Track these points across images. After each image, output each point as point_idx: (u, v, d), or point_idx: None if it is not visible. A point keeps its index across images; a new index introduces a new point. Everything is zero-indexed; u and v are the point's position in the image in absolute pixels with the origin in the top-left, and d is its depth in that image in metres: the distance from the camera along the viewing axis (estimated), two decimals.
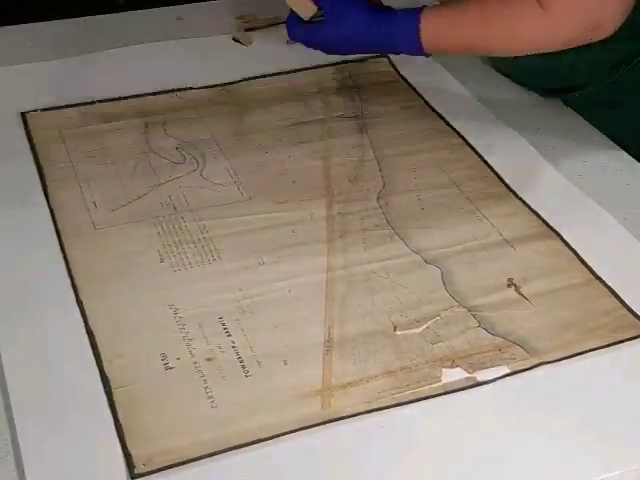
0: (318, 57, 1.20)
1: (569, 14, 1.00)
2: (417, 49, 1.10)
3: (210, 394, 0.82)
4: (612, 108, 1.19)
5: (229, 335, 0.88)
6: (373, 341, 0.88)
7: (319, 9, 1.14)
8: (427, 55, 1.12)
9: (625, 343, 0.89)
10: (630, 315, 0.92)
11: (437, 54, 1.14)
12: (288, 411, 0.81)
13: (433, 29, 1.09)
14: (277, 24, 1.41)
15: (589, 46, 1.04)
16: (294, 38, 1.19)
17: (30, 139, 1.14)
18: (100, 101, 1.21)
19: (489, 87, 1.27)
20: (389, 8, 1.14)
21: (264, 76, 1.28)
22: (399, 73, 1.31)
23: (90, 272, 0.94)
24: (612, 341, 0.89)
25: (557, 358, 0.87)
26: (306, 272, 0.95)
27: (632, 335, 0.90)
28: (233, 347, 0.87)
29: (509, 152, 1.15)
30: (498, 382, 0.84)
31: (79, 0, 1.72)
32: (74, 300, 0.91)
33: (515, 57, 1.14)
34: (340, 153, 1.14)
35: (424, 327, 0.89)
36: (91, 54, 1.32)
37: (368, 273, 0.95)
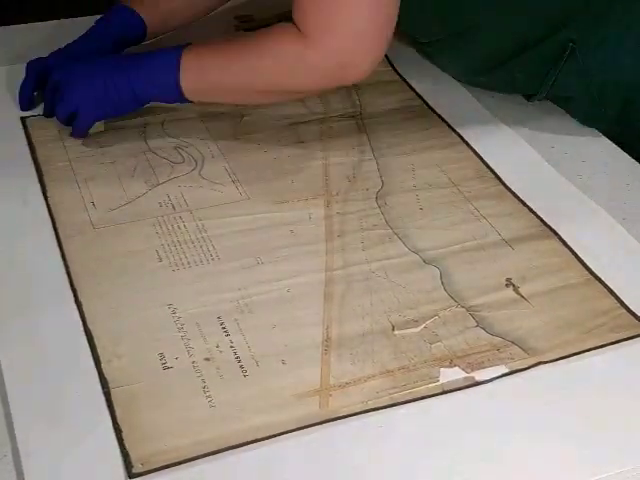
0: None
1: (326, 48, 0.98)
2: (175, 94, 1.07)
3: (208, 394, 0.82)
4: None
5: (227, 335, 0.88)
6: (371, 341, 0.88)
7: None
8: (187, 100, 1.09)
9: (623, 343, 0.89)
10: (629, 315, 0.92)
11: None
12: (286, 411, 0.81)
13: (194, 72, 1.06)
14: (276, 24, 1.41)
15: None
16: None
17: (29, 139, 1.14)
18: None
19: (489, 87, 1.27)
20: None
21: None
22: (398, 73, 1.31)
23: (89, 272, 0.94)
24: (610, 341, 0.89)
25: (555, 358, 0.87)
26: (305, 272, 0.95)
27: (630, 335, 0.90)
28: (231, 347, 0.86)
29: (508, 152, 1.15)
30: (496, 382, 0.84)
31: (79, 0, 1.72)
32: (72, 300, 0.91)
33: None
34: (339, 153, 1.14)
35: (422, 327, 0.89)
36: None
37: (367, 273, 0.95)
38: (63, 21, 1.42)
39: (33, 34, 1.38)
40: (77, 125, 1.11)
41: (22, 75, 1.23)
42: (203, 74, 1.05)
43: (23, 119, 1.17)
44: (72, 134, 1.12)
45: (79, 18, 1.43)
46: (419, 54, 1.32)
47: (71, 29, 1.39)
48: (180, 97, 1.07)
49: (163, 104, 1.20)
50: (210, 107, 1.20)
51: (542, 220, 1.04)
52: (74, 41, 1.20)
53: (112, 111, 1.10)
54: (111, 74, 1.07)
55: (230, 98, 1.10)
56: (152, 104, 1.20)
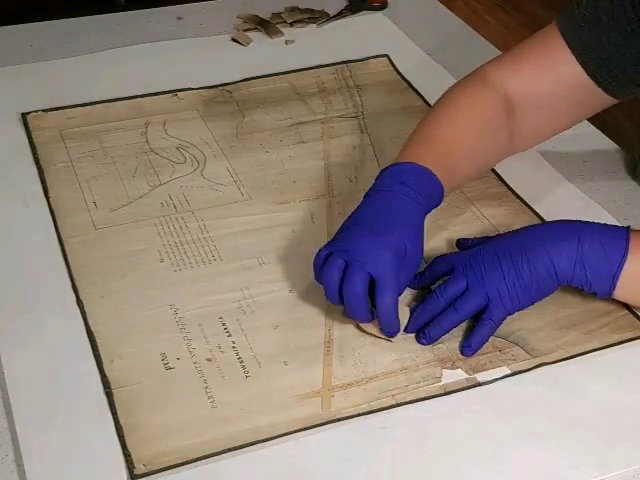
0: (318, 57, 1.20)
1: None
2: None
3: (210, 394, 0.82)
4: None
5: (229, 335, 0.88)
6: (373, 342, 0.88)
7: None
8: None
9: (625, 344, 0.89)
10: (630, 316, 0.92)
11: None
12: (288, 412, 0.81)
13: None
14: (276, 24, 1.41)
15: None
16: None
17: (30, 139, 1.14)
18: (100, 101, 1.21)
19: None
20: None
21: (264, 76, 1.28)
22: (399, 73, 1.31)
23: (90, 272, 0.94)
24: (612, 342, 0.89)
25: (557, 359, 0.87)
26: (307, 272, 0.95)
27: (633, 336, 0.90)
28: (233, 347, 0.86)
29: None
30: (498, 383, 0.84)
31: (79, 0, 1.72)
32: (74, 300, 0.91)
33: None
34: (340, 153, 1.14)
35: None
36: (91, 54, 1.33)
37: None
38: (63, 21, 1.42)
39: (33, 34, 1.38)
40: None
41: (22, 75, 1.23)
42: None
43: (25, 120, 1.17)
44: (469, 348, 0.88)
45: (79, 18, 1.43)
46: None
47: (71, 29, 1.40)
48: (609, 291, 0.88)
49: (163, 104, 1.21)
50: (212, 107, 1.20)
51: (543, 220, 1.03)
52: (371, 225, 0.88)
53: (527, 300, 0.87)
54: (523, 249, 0.87)
55: None
56: (152, 104, 1.21)
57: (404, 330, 0.88)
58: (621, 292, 0.88)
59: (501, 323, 0.87)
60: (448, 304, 0.87)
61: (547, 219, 1.04)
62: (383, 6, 1.48)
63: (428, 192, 0.91)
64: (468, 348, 0.87)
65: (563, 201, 1.07)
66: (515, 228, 1.01)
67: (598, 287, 0.87)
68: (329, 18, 1.43)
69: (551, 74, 0.99)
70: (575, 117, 1.04)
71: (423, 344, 0.87)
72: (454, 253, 0.94)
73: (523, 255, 0.86)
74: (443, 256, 0.93)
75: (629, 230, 0.88)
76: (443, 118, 1.00)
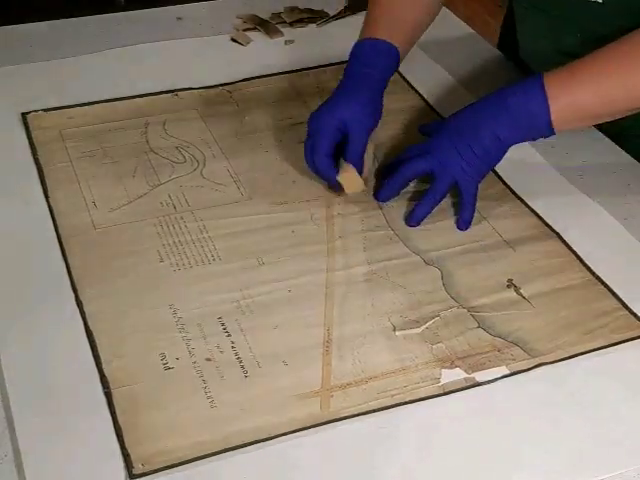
0: (318, 57, 1.20)
1: None
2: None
3: (209, 394, 0.82)
4: None
5: (228, 335, 0.88)
6: (372, 342, 0.88)
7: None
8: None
9: (625, 344, 0.89)
10: (630, 316, 0.92)
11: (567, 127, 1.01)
12: (287, 412, 0.81)
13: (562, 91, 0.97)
14: (276, 24, 1.41)
15: None
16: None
17: (30, 139, 1.14)
18: (100, 101, 1.21)
19: (489, 88, 1.27)
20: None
21: (264, 76, 1.28)
22: (399, 73, 1.30)
23: (90, 272, 0.94)
24: (612, 342, 0.89)
25: (556, 359, 0.87)
26: (306, 272, 0.95)
27: (632, 336, 0.90)
28: (232, 347, 0.86)
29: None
30: (497, 383, 0.84)
31: (79, 0, 1.72)
32: (73, 300, 0.91)
33: None
34: None
35: (423, 328, 0.89)
36: (91, 54, 1.33)
37: (368, 274, 0.95)
38: (63, 21, 1.42)
39: (33, 34, 1.38)
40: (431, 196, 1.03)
41: (22, 75, 1.24)
42: (574, 102, 0.97)
43: (25, 119, 1.17)
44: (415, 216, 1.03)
45: (79, 18, 1.43)
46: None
47: (71, 29, 1.40)
48: (549, 132, 0.99)
49: (163, 104, 1.21)
50: (211, 107, 1.20)
51: (543, 221, 1.04)
52: (341, 89, 1.09)
53: (486, 168, 1.03)
54: (473, 125, 1.01)
55: (602, 119, 1.05)
56: (152, 104, 1.21)
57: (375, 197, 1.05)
58: (559, 124, 0.98)
59: (474, 192, 1.02)
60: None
61: (547, 219, 1.04)
62: None
63: (384, 63, 1.09)
64: (463, 223, 1.02)
65: (563, 201, 1.07)
66: (515, 229, 1.02)
67: (538, 130, 0.99)
68: (329, 18, 1.43)
69: None
70: None
71: (411, 225, 1.02)
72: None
73: (472, 136, 1.00)
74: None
75: (542, 75, 0.98)
76: None
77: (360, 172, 1.04)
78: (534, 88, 0.97)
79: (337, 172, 1.04)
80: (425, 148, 1.03)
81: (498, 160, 1.02)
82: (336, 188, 1.05)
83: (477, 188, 1.02)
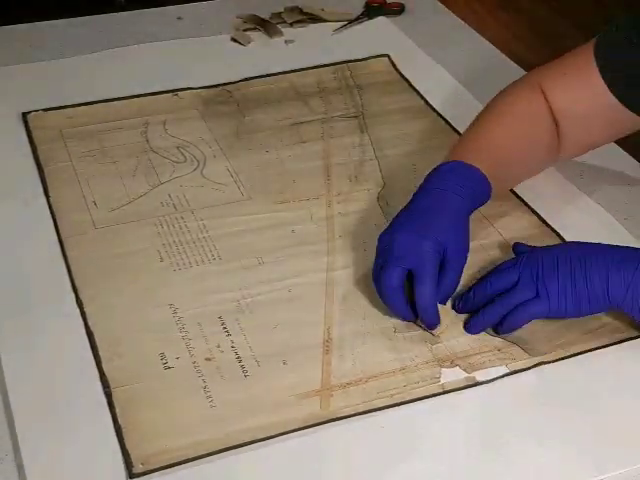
0: (318, 57, 1.20)
1: None
2: None
3: (209, 394, 0.82)
4: None
5: (228, 335, 0.88)
6: (372, 341, 0.88)
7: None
8: None
9: (625, 343, 0.89)
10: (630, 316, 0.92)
11: None
12: (287, 411, 0.81)
13: None
14: (277, 24, 1.41)
15: None
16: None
17: (31, 139, 1.14)
18: (100, 101, 1.21)
19: (489, 88, 1.27)
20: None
21: (264, 76, 1.28)
22: (400, 73, 1.31)
23: (90, 272, 0.94)
24: (612, 341, 0.89)
25: (556, 358, 0.87)
26: (306, 272, 0.95)
27: (632, 335, 0.90)
28: (232, 347, 0.86)
29: None
30: (497, 382, 0.84)
31: (79, 0, 1.72)
32: (74, 300, 0.91)
33: None
34: (340, 153, 1.14)
35: (423, 327, 0.89)
36: (91, 54, 1.33)
37: (368, 273, 0.95)
38: (63, 21, 1.42)
39: (33, 34, 1.38)
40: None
41: (22, 75, 1.23)
42: None
43: (25, 119, 1.17)
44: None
45: (79, 18, 1.43)
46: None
47: (71, 29, 1.40)
48: None
49: (163, 104, 1.21)
50: (212, 107, 1.20)
51: (543, 220, 1.04)
52: (430, 210, 0.92)
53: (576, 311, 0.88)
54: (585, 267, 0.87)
55: None
56: (152, 103, 1.21)
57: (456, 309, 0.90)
58: None
59: (538, 317, 0.88)
60: (497, 294, 0.89)
61: (547, 219, 1.04)
62: (400, 10, 1.47)
63: (474, 189, 0.94)
64: (502, 330, 0.88)
65: (563, 201, 1.07)
66: (515, 228, 1.02)
67: None
68: (347, 24, 1.42)
69: (585, 93, 1.02)
70: (610, 135, 1.06)
71: (472, 333, 0.89)
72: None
73: (582, 265, 0.87)
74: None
75: None
76: (494, 120, 1.03)
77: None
78: None
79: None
80: (521, 261, 0.90)
81: (590, 314, 0.89)
82: (432, 328, 0.89)
83: (545, 316, 0.89)
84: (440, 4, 1.53)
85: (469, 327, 0.89)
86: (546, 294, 0.86)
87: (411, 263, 0.86)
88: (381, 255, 0.89)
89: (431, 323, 0.88)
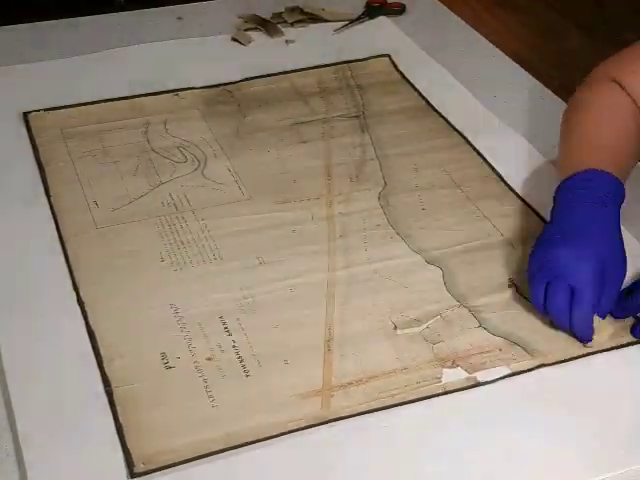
0: (319, 57, 1.20)
1: None
2: None
3: (210, 393, 0.82)
4: None
5: (229, 334, 0.88)
6: (373, 341, 0.88)
7: None
8: None
9: (626, 345, 0.89)
10: (630, 317, 0.92)
11: None
12: (288, 411, 0.81)
13: None
14: (277, 23, 1.41)
15: None
16: None
17: (32, 139, 1.14)
18: (101, 101, 1.21)
19: (490, 88, 1.27)
20: None
21: (265, 76, 1.28)
22: (400, 73, 1.31)
23: (91, 271, 0.94)
24: (613, 344, 0.89)
25: (558, 360, 0.87)
26: (307, 272, 0.95)
27: (633, 340, 0.89)
28: (233, 346, 0.86)
29: (510, 152, 1.15)
30: (498, 383, 0.84)
31: (79, 0, 1.72)
32: (75, 299, 0.91)
33: None
34: (341, 153, 1.14)
35: (424, 327, 0.89)
36: (91, 54, 1.33)
37: (369, 273, 0.95)
38: (63, 21, 1.42)
39: (33, 34, 1.38)
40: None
41: (23, 75, 1.23)
42: None
43: (26, 119, 1.17)
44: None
45: (79, 18, 1.43)
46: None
47: (71, 29, 1.40)
48: None
49: (163, 104, 1.21)
50: (212, 107, 1.20)
51: (544, 220, 1.04)
52: (580, 226, 0.91)
53: None
54: None
55: None
56: (153, 103, 1.21)
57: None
58: None
59: None
60: None
61: (548, 219, 1.03)
62: (401, 11, 1.47)
63: (613, 193, 0.94)
64: None
65: None
66: (516, 228, 1.01)
67: None
68: (347, 24, 1.42)
69: None
70: None
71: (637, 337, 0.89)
72: None
73: None
74: None
75: None
76: (591, 120, 1.03)
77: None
78: None
79: None
80: None
81: None
82: (587, 342, 0.89)
83: None
84: (440, 3, 1.53)
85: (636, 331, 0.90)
86: None
87: (574, 281, 0.86)
88: (539, 271, 0.88)
89: (585, 339, 0.88)
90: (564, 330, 0.89)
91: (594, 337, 0.88)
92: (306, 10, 1.44)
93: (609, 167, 0.95)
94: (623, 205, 1.04)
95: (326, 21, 1.43)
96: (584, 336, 0.88)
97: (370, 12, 1.45)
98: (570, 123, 1.05)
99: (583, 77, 1.11)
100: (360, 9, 1.46)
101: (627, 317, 0.91)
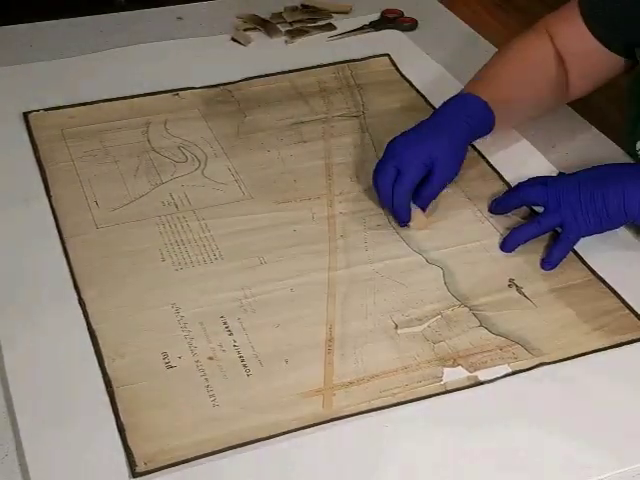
0: (319, 56, 1.20)
1: None
2: None
3: (211, 393, 0.82)
4: None
5: (230, 334, 0.88)
6: (374, 340, 0.88)
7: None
8: None
9: (626, 343, 0.89)
10: (632, 315, 0.92)
11: None
12: (289, 410, 0.81)
13: None
14: (277, 23, 1.41)
15: None
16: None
17: (32, 139, 1.14)
18: (101, 101, 1.21)
19: None
20: None
21: (265, 75, 1.28)
22: (400, 72, 1.31)
23: (92, 271, 0.94)
24: (613, 342, 0.89)
25: (558, 358, 0.87)
26: (308, 271, 0.95)
27: (633, 335, 0.90)
28: (234, 346, 0.87)
29: (510, 152, 1.15)
30: (499, 382, 0.85)
31: (79, 0, 1.72)
32: (76, 299, 0.91)
33: None
34: (341, 152, 1.14)
35: (425, 326, 0.89)
36: (91, 54, 1.33)
37: (370, 273, 0.95)
38: (63, 21, 1.42)
39: (33, 34, 1.38)
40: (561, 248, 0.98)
41: (23, 75, 1.24)
42: None
43: (26, 119, 1.17)
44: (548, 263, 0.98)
45: (79, 18, 1.43)
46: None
47: (71, 29, 1.40)
48: None
49: (164, 103, 1.21)
50: (213, 106, 1.21)
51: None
52: (434, 125, 1.05)
53: (598, 229, 0.98)
54: (603, 184, 0.97)
55: None
56: (153, 103, 1.21)
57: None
58: None
59: (575, 243, 0.98)
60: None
61: None
62: (414, 26, 1.43)
63: (477, 118, 1.06)
64: (549, 263, 0.97)
65: None
66: (516, 228, 1.02)
67: None
68: (347, 32, 1.40)
69: (575, 35, 1.12)
70: (601, 78, 1.15)
71: (505, 251, 0.99)
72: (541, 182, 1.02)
73: (601, 187, 0.96)
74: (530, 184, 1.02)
75: None
76: (501, 62, 1.14)
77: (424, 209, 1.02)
78: None
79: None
80: (549, 182, 1.00)
81: (615, 228, 0.99)
82: (403, 223, 1.01)
83: (578, 240, 0.98)
84: (439, 4, 1.53)
85: (491, 206, 1.04)
86: (573, 218, 0.96)
87: (399, 163, 0.99)
88: (383, 157, 1.02)
89: (401, 220, 1.01)
90: (388, 209, 1.01)
91: (411, 223, 1.00)
92: (305, 3, 1.44)
93: (489, 98, 1.06)
94: None
95: (325, 12, 1.42)
96: (400, 215, 1.00)
97: (382, 24, 1.42)
98: (489, 60, 1.15)
99: None
100: (374, 15, 1.44)
101: (503, 213, 1.03)
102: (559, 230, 0.99)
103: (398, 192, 0.99)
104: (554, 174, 1.11)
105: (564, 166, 1.12)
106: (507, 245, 0.99)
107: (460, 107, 1.06)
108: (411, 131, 1.04)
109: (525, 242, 0.99)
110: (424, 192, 1.01)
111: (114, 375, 0.83)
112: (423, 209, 1.02)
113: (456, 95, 1.08)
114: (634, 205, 0.95)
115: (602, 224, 0.97)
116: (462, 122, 1.04)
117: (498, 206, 1.04)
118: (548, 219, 0.98)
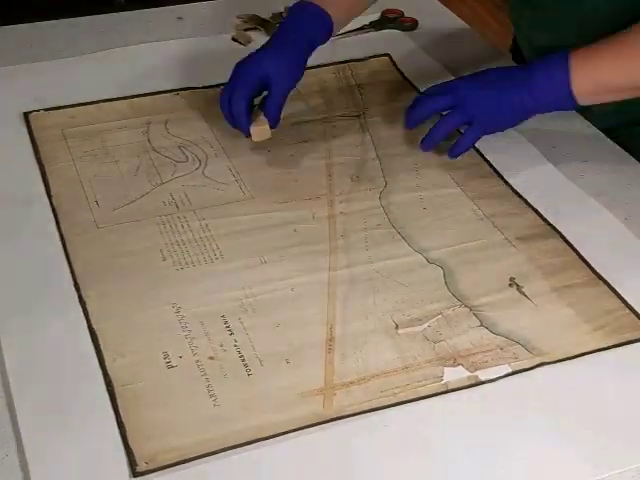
0: (319, 56, 1.20)
1: None
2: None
3: (212, 393, 0.82)
4: None
5: (231, 334, 0.88)
6: (375, 340, 0.88)
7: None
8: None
9: (627, 343, 0.89)
10: (632, 315, 0.92)
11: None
12: (290, 410, 0.81)
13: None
14: (277, 24, 1.41)
15: None
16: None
17: (32, 139, 1.14)
18: (101, 100, 1.21)
19: None
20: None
21: None
22: (401, 72, 1.31)
23: (92, 271, 0.94)
24: (614, 341, 0.89)
25: (559, 358, 0.87)
26: (308, 271, 0.95)
27: (634, 335, 0.90)
28: (235, 346, 0.87)
29: (510, 152, 1.15)
30: (500, 381, 0.85)
31: (79, 0, 1.72)
32: (77, 299, 0.91)
33: None
34: (342, 152, 1.14)
35: (426, 326, 0.89)
36: (91, 54, 1.33)
37: (370, 272, 0.96)
38: (63, 21, 1.42)
39: (33, 34, 1.38)
40: (464, 141, 1.10)
41: (23, 75, 1.24)
42: (595, 76, 1.05)
43: (27, 119, 1.17)
44: (453, 151, 1.11)
45: (79, 18, 1.43)
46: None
47: (71, 29, 1.40)
48: (571, 102, 1.06)
49: (164, 103, 1.21)
50: (213, 106, 1.20)
51: (545, 219, 1.04)
52: (268, 44, 1.14)
53: (500, 125, 1.10)
54: (505, 87, 1.07)
55: (620, 96, 1.07)
56: (153, 103, 1.21)
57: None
58: (581, 95, 1.04)
59: (479, 137, 1.09)
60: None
61: (548, 218, 1.04)
62: (414, 26, 1.43)
63: (312, 25, 1.14)
64: (452, 153, 1.10)
65: (564, 200, 1.07)
66: (517, 228, 1.02)
67: (560, 100, 1.05)
68: (348, 32, 1.40)
69: None
70: None
71: (425, 149, 1.12)
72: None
73: (498, 92, 1.06)
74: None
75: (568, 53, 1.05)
76: None
77: (273, 126, 1.11)
78: (558, 59, 1.04)
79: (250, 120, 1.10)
80: (452, 87, 1.10)
81: (514, 124, 1.10)
82: (245, 133, 1.10)
83: (480, 136, 1.09)
84: (439, 3, 1.53)
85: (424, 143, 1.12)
86: (479, 114, 1.07)
87: (237, 81, 1.09)
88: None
89: (242, 130, 1.09)
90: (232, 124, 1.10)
91: (251, 127, 1.08)
92: None
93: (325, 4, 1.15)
94: (624, 205, 1.05)
95: None
96: (240, 124, 1.09)
97: (382, 24, 1.42)
98: None
99: None
100: (374, 15, 1.44)
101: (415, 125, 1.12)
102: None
103: (234, 102, 1.08)
104: (554, 174, 1.11)
105: (564, 166, 1.12)
106: (426, 145, 1.11)
107: (297, 17, 1.14)
108: (254, 52, 1.13)
109: (439, 141, 1.10)
110: (268, 102, 1.09)
111: (115, 375, 0.83)
112: (275, 122, 1.10)
113: (299, 3, 1.16)
114: (527, 97, 1.04)
115: (500, 117, 1.07)
116: (299, 34, 1.13)
117: (411, 120, 1.12)
118: (454, 118, 1.08)
